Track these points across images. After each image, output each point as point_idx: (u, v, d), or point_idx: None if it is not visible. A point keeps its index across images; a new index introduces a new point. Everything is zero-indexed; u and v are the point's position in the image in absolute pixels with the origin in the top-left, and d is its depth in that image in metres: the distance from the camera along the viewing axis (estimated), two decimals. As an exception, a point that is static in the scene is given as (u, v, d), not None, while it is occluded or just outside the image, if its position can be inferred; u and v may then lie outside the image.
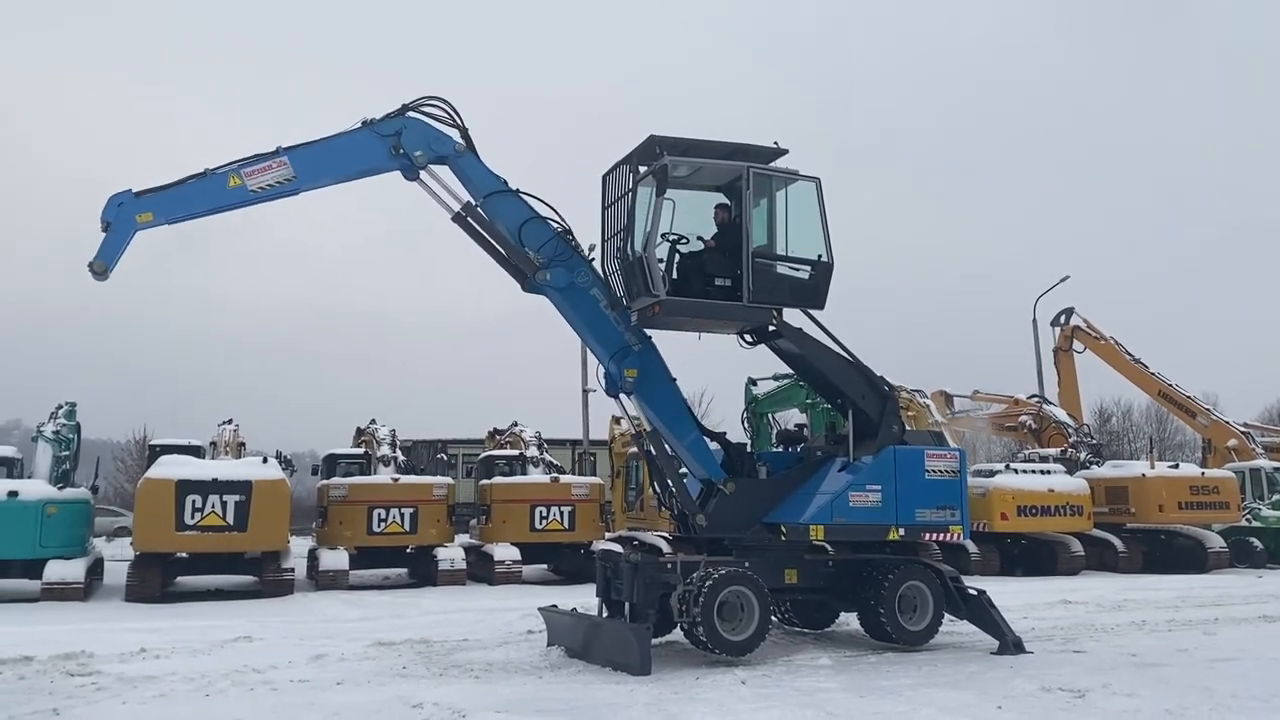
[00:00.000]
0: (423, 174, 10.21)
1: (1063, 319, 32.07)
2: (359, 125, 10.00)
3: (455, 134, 10.31)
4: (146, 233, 9.39)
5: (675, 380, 10.77)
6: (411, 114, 10.21)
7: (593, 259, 11.17)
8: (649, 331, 10.70)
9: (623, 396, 10.63)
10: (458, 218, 10.30)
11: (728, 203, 10.89)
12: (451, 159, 10.25)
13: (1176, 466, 24.50)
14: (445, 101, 10.33)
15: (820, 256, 10.66)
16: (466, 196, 10.36)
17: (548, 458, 21.49)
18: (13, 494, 15.48)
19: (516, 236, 10.27)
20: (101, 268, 9.20)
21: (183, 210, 9.60)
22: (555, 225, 10.46)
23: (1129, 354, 30.42)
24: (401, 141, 9.99)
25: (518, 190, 10.42)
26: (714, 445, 11.08)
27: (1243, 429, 29.40)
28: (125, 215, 9.18)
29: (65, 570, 15.41)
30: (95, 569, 17.25)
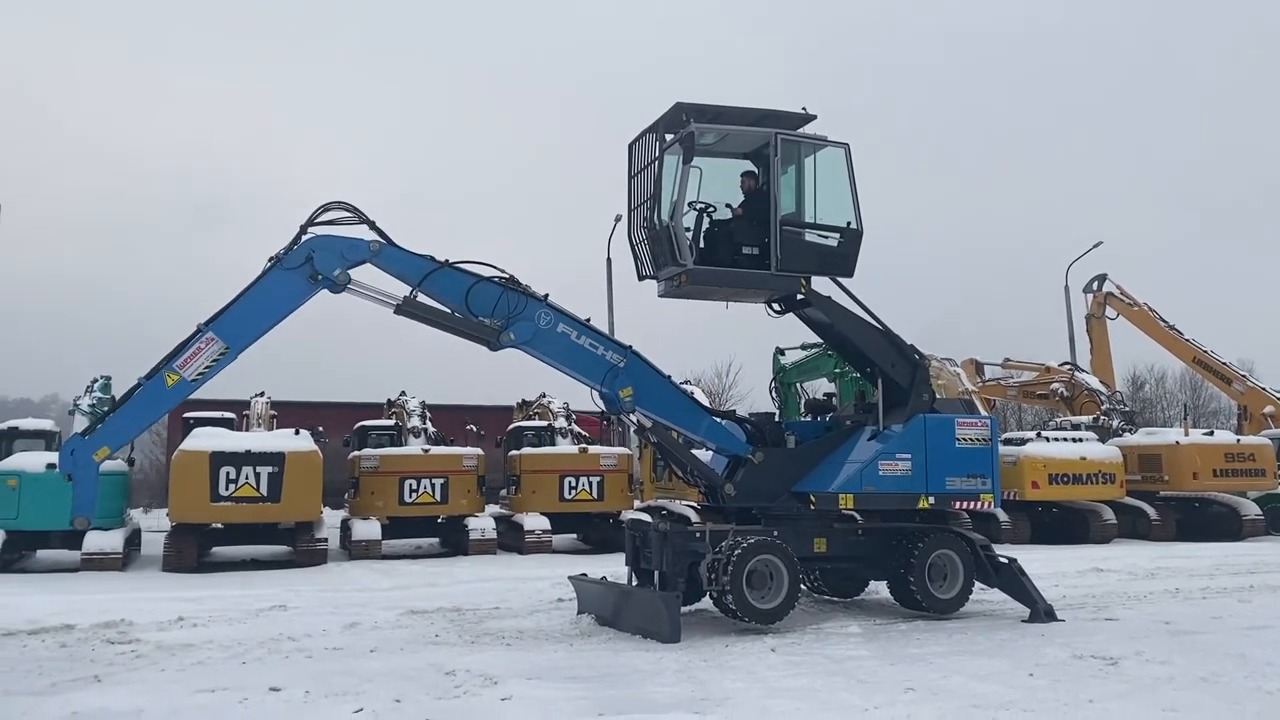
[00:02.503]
0: (350, 285, 9.73)
1: (1095, 285, 31.67)
2: (267, 265, 9.54)
3: (364, 230, 9.84)
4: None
5: (669, 376, 10.67)
6: (313, 230, 9.70)
7: (546, 297, 10.34)
8: (668, 305, 10.53)
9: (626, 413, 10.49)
10: (401, 310, 9.83)
11: (755, 170, 10.80)
12: (371, 259, 9.74)
13: (1211, 434, 24.19)
14: (344, 203, 9.87)
15: (849, 223, 10.56)
16: (401, 288, 9.89)
17: (575, 428, 21.57)
18: (51, 466, 15.74)
19: (465, 309, 9.85)
20: (84, 523, 9.22)
21: (133, 430, 9.42)
22: (498, 280, 10.01)
23: (1163, 320, 30.01)
24: (315, 266, 9.48)
25: (448, 262, 9.91)
26: (725, 423, 11.03)
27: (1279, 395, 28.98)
28: (82, 460, 8.95)
29: (104, 541, 15.69)
30: (133, 540, 17.56)
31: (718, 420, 10.92)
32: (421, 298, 9.85)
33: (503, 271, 10.10)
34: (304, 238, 9.65)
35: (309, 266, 9.49)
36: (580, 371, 10.22)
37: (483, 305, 9.88)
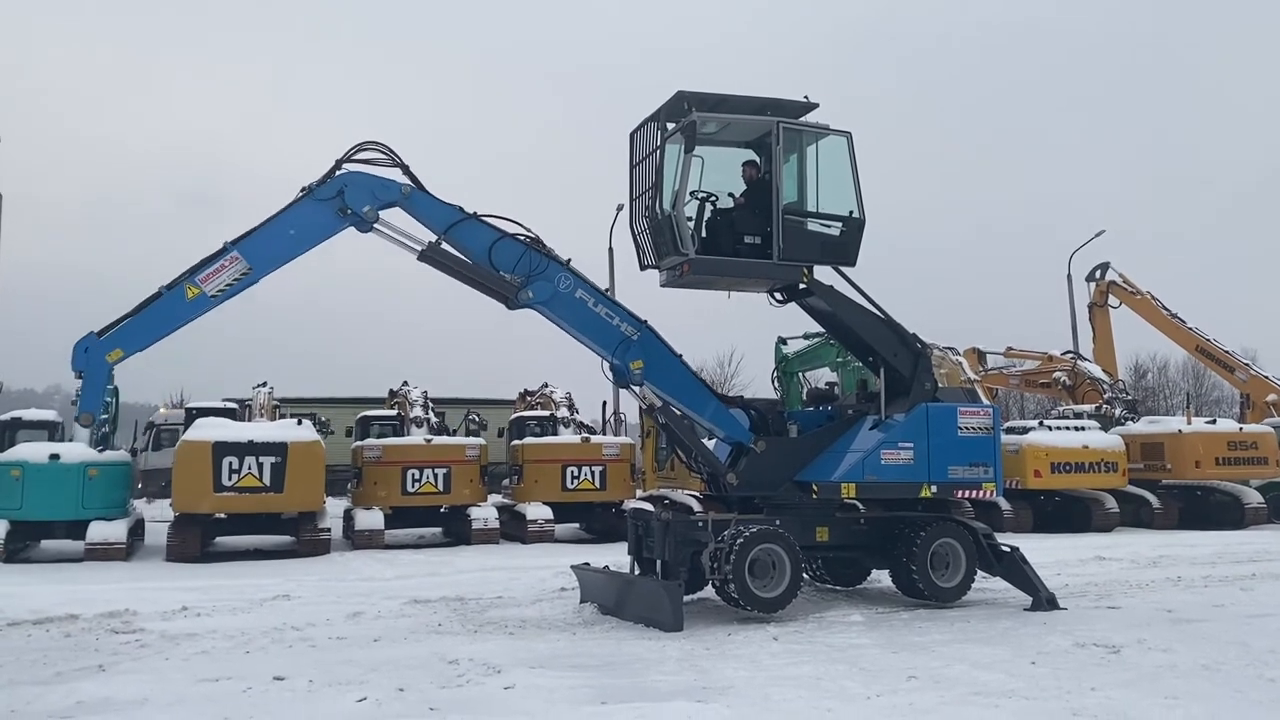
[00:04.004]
0: (377, 225, 9.85)
1: (1098, 274, 31.61)
2: (299, 194, 9.65)
3: (398, 174, 9.93)
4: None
5: (681, 356, 10.68)
6: (348, 166, 9.82)
7: (568, 262, 10.51)
8: (669, 295, 10.57)
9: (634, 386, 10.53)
10: (424, 257, 9.92)
11: (757, 159, 10.77)
12: (401, 202, 9.90)
13: (1214, 422, 24.17)
14: (380, 144, 9.97)
15: (851, 212, 10.54)
16: (427, 234, 9.99)
17: (578, 418, 21.57)
18: (54, 457, 15.75)
19: (488, 262, 9.94)
20: (89, 420, 9.15)
21: (150, 337, 9.46)
22: (523, 239, 10.11)
23: (1165, 308, 29.96)
24: (346, 201, 9.64)
25: (476, 215, 10.03)
26: (735, 410, 11.03)
27: (1282, 383, 28.93)
28: (95, 359, 9.03)
29: (108, 531, 15.70)
30: (136, 530, 17.57)
31: (724, 406, 10.92)
32: (445, 247, 9.97)
33: (529, 231, 10.22)
34: (338, 173, 9.78)
35: (340, 200, 9.65)
36: (593, 339, 10.29)
37: (505, 261, 9.98)
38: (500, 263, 9.97)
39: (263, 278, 9.54)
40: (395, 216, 9.99)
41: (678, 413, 10.54)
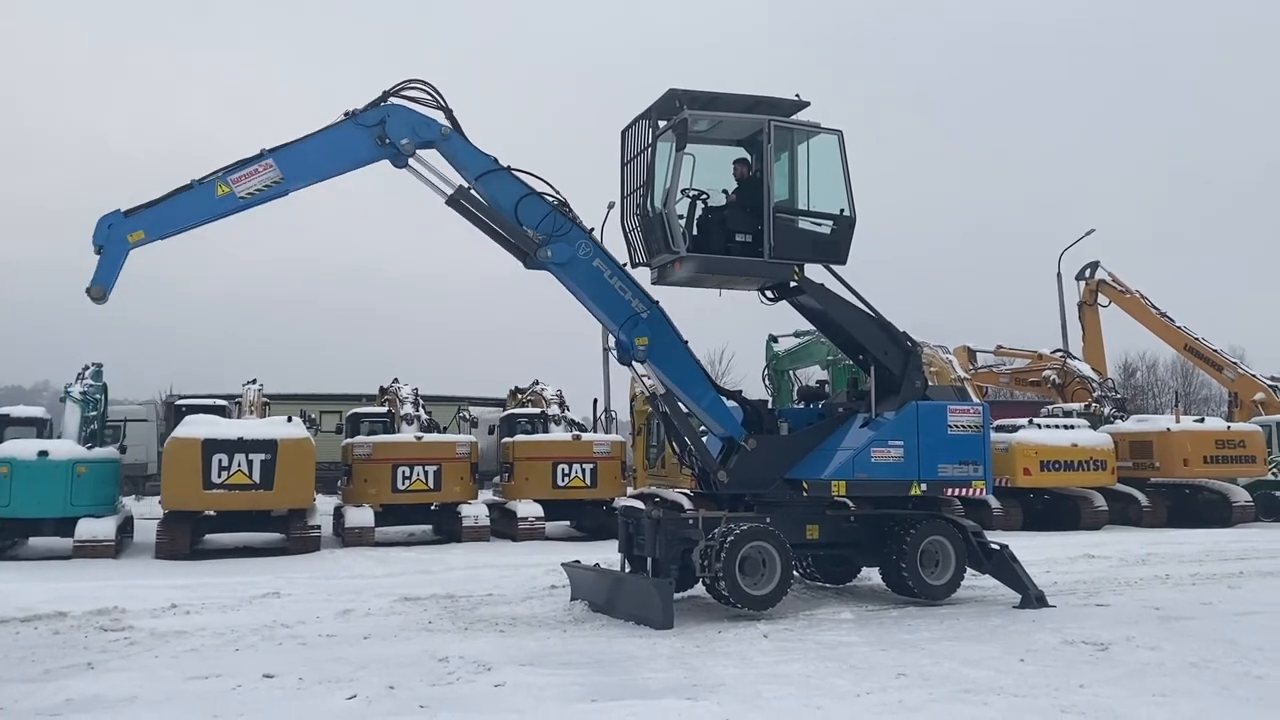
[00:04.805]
0: (411, 161, 9.94)
1: (1088, 273, 31.70)
2: (341, 118, 9.74)
3: (440, 116, 10.02)
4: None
5: (687, 342, 10.70)
6: (393, 100, 9.91)
7: (590, 231, 10.70)
8: (661, 293, 10.57)
9: (636, 363, 10.58)
10: (452, 201, 10.02)
11: (748, 157, 10.77)
12: (439, 143, 9.98)
13: (1202, 420, 24.28)
14: (427, 84, 10.02)
15: (842, 211, 10.55)
16: (458, 180, 10.09)
17: (569, 416, 21.56)
18: (43, 454, 15.72)
19: (513, 215, 10.03)
20: (99, 293, 9.08)
21: (174, 225, 9.42)
22: (551, 199, 10.21)
23: (1155, 307, 30.07)
24: (386, 130, 9.72)
25: (509, 167, 10.13)
26: (731, 404, 11.06)
27: (1270, 382, 29.07)
28: (116, 236, 9.01)
29: (96, 528, 15.66)
30: (125, 527, 17.53)
31: (721, 398, 10.93)
32: (474, 195, 10.09)
33: (558, 194, 10.32)
34: (384, 104, 9.89)
35: (380, 129, 9.74)
36: (604, 310, 10.37)
37: (530, 216, 10.09)
38: (525, 218, 10.09)
39: (292, 191, 9.64)
40: (430, 159, 10.16)
41: (680, 405, 10.59)
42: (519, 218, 10.06)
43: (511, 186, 10.14)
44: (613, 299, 10.31)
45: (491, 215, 10.11)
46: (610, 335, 10.60)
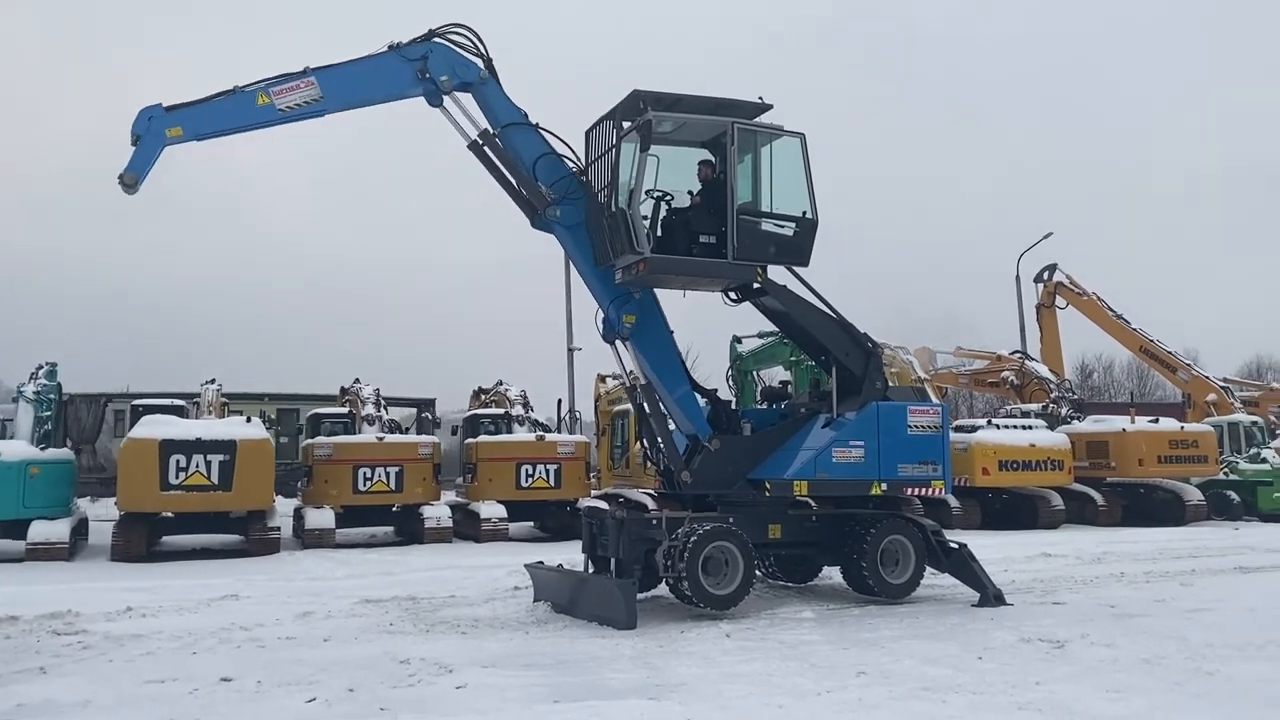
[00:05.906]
0: (445, 101, 10.34)
1: (1046, 275, 32.18)
2: (385, 49, 10.09)
3: (479, 63, 10.41)
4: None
5: (673, 333, 10.81)
6: (438, 39, 10.30)
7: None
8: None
9: (619, 346, 10.65)
10: (474, 145, 10.45)
11: (712, 159, 10.81)
12: (476, 86, 10.39)
13: (1156, 421, 24.75)
14: (471, 30, 10.43)
15: (805, 213, 10.61)
16: (485, 125, 10.48)
17: (533, 416, 21.51)
18: (-9, 454, 15.42)
19: (531, 170, 10.42)
20: (132, 179, 9.31)
21: (211, 127, 9.71)
22: (570, 164, 10.60)
23: (1111, 309, 30.61)
24: (428, 66, 10.14)
25: (537, 125, 10.54)
26: (703, 401, 11.11)
27: (1222, 384, 29.70)
28: (155, 129, 9.31)
29: (50, 530, 15.38)
30: (80, 529, 17.24)
31: (694, 393, 10.98)
32: (497, 143, 10.44)
33: (579, 160, 10.72)
34: (430, 41, 10.26)
35: (422, 63, 10.12)
36: (599, 281, 10.66)
37: (548, 175, 10.49)
38: (543, 175, 10.45)
39: (329, 113, 9.92)
40: (461, 103, 10.50)
41: (658, 400, 10.69)
42: (536, 173, 10.41)
43: (535, 142, 10.51)
44: (609, 273, 10.52)
45: (510, 166, 10.48)
46: (599, 311, 10.81)
